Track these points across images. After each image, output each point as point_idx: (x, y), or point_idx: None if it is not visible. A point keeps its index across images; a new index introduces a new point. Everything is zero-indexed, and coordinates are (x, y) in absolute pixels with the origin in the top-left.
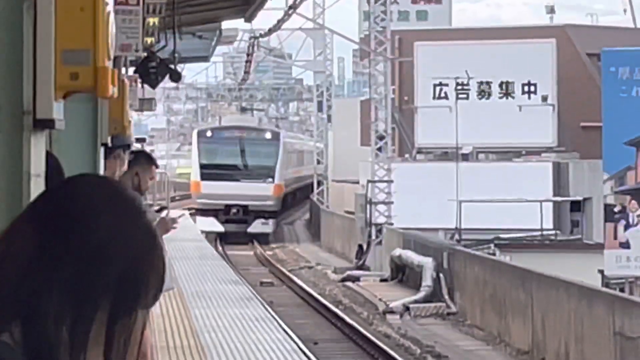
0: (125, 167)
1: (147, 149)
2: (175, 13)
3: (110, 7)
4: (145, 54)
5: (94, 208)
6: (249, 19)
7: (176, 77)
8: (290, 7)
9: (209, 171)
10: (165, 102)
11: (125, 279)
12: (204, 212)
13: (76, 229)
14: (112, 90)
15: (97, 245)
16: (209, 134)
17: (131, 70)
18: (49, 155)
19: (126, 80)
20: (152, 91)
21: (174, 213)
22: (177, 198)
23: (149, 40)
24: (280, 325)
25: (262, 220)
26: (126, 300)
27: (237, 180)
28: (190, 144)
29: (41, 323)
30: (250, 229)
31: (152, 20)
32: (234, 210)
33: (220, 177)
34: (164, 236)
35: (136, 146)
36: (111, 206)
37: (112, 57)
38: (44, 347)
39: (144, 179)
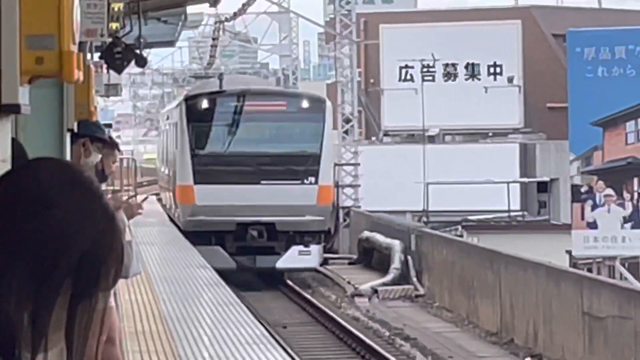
0: (94, 158)
1: (114, 134)
2: None
3: None
4: (110, 40)
5: (52, 192)
6: (214, 3)
7: (142, 62)
8: None
9: (208, 168)
10: (131, 88)
11: (85, 262)
12: (200, 236)
13: (35, 213)
14: (78, 75)
15: (57, 228)
16: (204, 103)
17: (97, 55)
18: (13, 142)
19: (92, 66)
20: (118, 77)
21: (139, 198)
22: (144, 184)
23: (114, 25)
24: (249, 309)
25: (301, 247)
26: (87, 283)
27: (257, 182)
28: (157, 128)
29: (2, 308)
30: (283, 263)
31: (117, 6)
32: (252, 231)
33: (228, 178)
34: (130, 221)
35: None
36: (70, 190)
37: (77, 41)
38: (5, 331)
39: (107, 163)
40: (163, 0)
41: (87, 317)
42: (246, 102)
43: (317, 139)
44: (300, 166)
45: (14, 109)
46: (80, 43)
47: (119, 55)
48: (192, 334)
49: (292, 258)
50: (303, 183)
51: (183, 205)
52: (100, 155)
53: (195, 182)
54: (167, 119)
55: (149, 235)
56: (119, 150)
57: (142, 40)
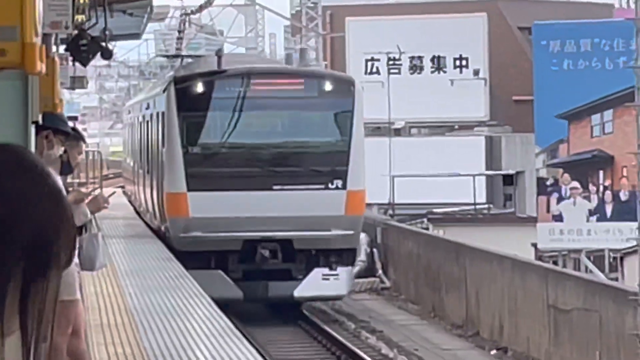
0: (57, 150)
1: (80, 127)
2: None
3: None
4: (75, 32)
5: None
6: None
7: (107, 54)
8: None
9: (206, 170)
10: (97, 80)
11: (35, 244)
12: (196, 257)
13: None
14: (40, 67)
15: (3, 213)
16: (199, 87)
17: (62, 48)
18: None
19: (57, 58)
20: (84, 69)
21: (106, 191)
22: (110, 176)
23: (79, 17)
24: (215, 303)
25: (326, 270)
26: (38, 265)
27: (268, 187)
28: (123, 122)
29: None
30: (302, 291)
31: None
32: (263, 251)
33: (231, 183)
34: (96, 214)
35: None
36: (15, 172)
37: (39, 33)
38: None
39: (72, 154)
40: None
41: (40, 299)
42: (253, 84)
43: (345, 131)
44: (323, 166)
45: None
46: (45, 35)
47: (85, 47)
48: (157, 326)
49: (314, 284)
50: (327, 188)
51: (174, 219)
52: (63, 148)
53: (189, 189)
54: (148, 108)
55: (115, 228)
56: (84, 142)
57: (107, 32)
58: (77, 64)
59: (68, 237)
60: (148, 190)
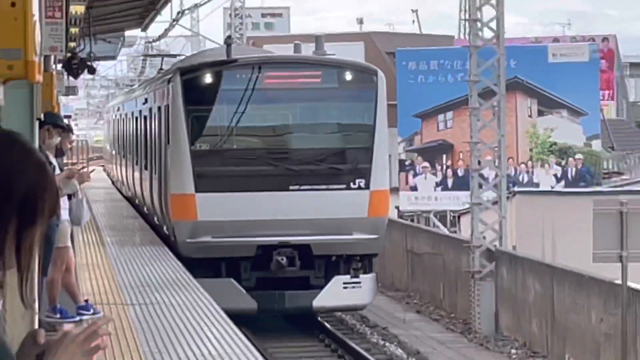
0: (55, 140)
1: (72, 123)
2: (91, 24)
3: (36, 17)
4: (69, 54)
5: None
6: (144, 29)
7: (92, 71)
8: (174, 20)
9: (215, 169)
10: (85, 89)
11: (26, 202)
12: (204, 265)
13: None
14: (39, 78)
15: (2, 178)
16: (208, 78)
17: (59, 66)
18: None
19: (54, 73)
20: (75, 81)
21: (90, 168)
22: (94, 158)
23: (71, 44)
24: (227, 314)
25: (347, 278)
26: (29, 215)
27: (284, 187)
28: (104, 119)
29: None
30: (322, 300)
31: (74, 30)
32: (279, 257)
33: (244, 184)
34: (82, 185)
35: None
36: (9, 150)
37: (38, 53)
38: None
39: (64, 143)
40: (107, 26)
41: (30, 239)
42: (267, 75)
43: (368, 124)
44: (344, 164)
45: None
46: (46, 56)
47: (76, 65)
48: (129, 264)
49: (335, 293)
50: (349, 188)
51: (180, 223)
52: (59, 138)
53: (197, 190)
54: (145, 102)
55: (97, 195)
56: (72, 133)
57: (92, 55)
58: (70, 77)
59: (51, 196)
60: (147, 192)
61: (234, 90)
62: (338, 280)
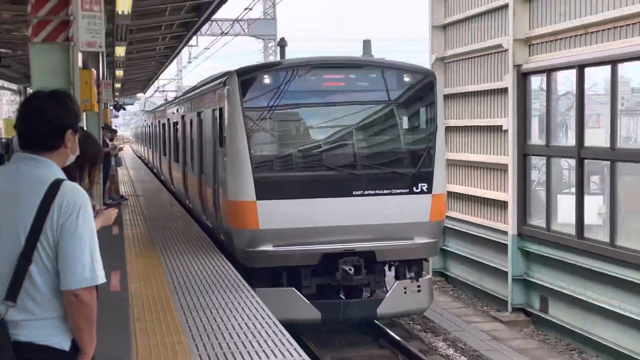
0: (107, 135)
1: (115, 128)
2: (122, 87)
3: (97, 82)
4: (114, 102)
5: (82, 139)
6: (143, 92)
7: (121, 109)
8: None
9: (277, 176)
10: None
11: (92, 160)
12: (264, 274)
13: (81, 142)
14: (98, 110)
15: (84, 150)
16: (266, 79)
17: (112, 106)
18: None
19: (110, 107)
20: (116, 112)
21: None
22: (122, 146)
23: (116, 98)
24: (289, 325)
25: (407, 282)
26: (93, 166)
27: (347, 193)
28: (134, 125)
29: (69, 172)
30: (385, 308)
31: (117, 85)
32: (345, 266)
33: (306, 190)
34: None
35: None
36: (86, 139)
37: (97, 100)
38: (69, 176)
39: (113, 136)
40: (129, 90)
41: (94, 173)
42: (327, 77)
43: (429, 127)
44: (407, 168)
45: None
46: (104, 104)
47: (116, 105)
48: (164, 230)
49: (397, 299)
50: (412, 192)
51: (239, 231)
52: (109, 133)
53: (258, 198)
54: (194, 108)
55: (128, 161)
56: (116, 133)
57: (123, 102)
58: (114, 110)
59: (100, 158)
60: (199, 194)
61: (293, 92)
62: (399, 285)
